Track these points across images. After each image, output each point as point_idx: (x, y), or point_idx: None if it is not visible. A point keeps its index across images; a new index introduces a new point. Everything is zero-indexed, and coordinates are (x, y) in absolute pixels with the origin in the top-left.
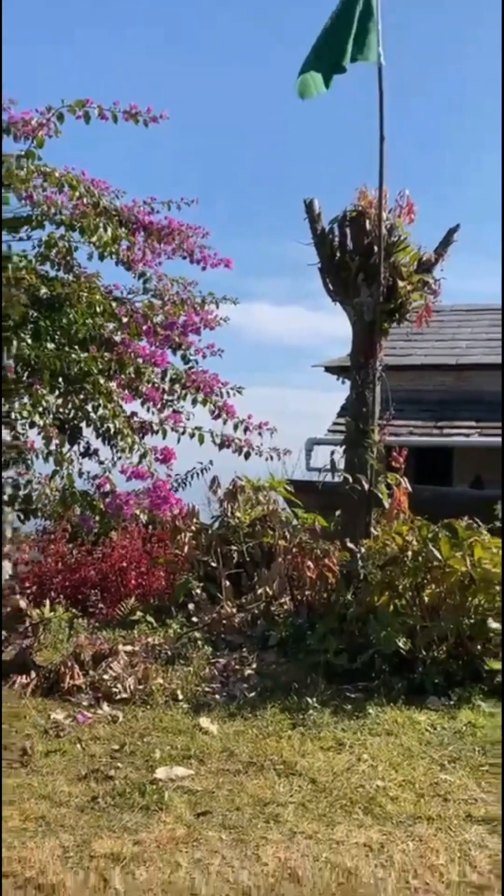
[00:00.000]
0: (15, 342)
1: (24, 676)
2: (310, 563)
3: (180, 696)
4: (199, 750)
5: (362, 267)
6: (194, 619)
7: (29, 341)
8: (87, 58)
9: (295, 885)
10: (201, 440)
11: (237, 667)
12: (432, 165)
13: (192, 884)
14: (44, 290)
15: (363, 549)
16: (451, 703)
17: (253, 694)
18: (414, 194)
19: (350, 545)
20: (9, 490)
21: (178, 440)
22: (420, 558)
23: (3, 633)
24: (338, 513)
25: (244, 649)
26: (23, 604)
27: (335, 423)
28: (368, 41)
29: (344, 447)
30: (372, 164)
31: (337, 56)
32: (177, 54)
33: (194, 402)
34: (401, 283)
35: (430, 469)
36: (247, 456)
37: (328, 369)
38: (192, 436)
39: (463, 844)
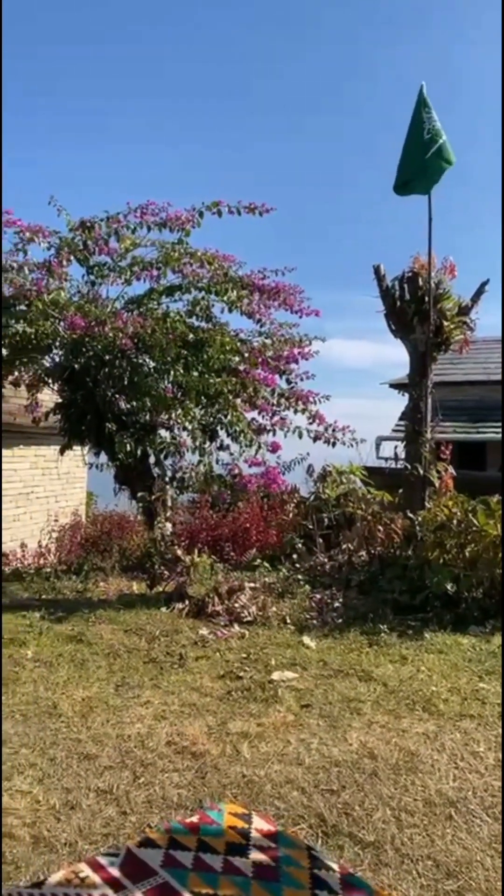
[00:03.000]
0: (172, 372)
1: (180, 603)
2: (380, 527)
3: (288, 621)
4: (301, 659)
5: (416, 312)
6: (297, 565)
7: (181, 371)
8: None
9: (372, 761)
10: (300, 436)
11: (328, 601)
12: (477, 227)
13: (298, 755)
14: (191, 336)
15: (420, 518)
16: (487, 630)
17: (340, 620)
18: (458, 250)
19: (410, 515)
20: (169, 472)
21: (284, 437)
22: (462, 525)
23: (165, 571)
24: (400, 491)
25: (333, 588)
26: (179, 552)
27: (397, 425)
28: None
29: (405, 442)
30: (418, 232)
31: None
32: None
33: (295, 411)
34: (445, 324)
35: (469, 458)
36: (333, 445)
37: (391, 385)
38: (293, 433)
39: (497, 737)
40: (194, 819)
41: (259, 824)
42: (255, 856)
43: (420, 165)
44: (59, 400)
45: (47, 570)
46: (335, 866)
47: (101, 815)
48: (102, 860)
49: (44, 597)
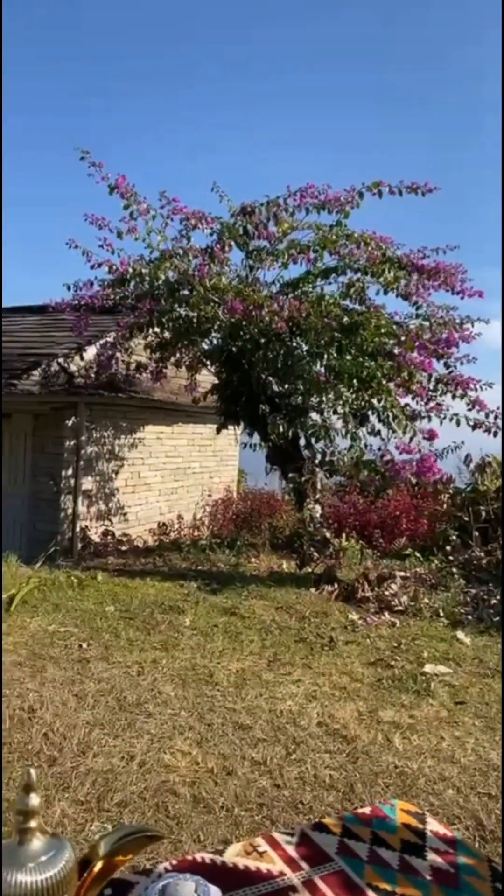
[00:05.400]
0: (325, 355)
1: (329, 585)
2: None
3: (441, 614)
4: (455, 655)
5: None
6: (451, 557)
7: (334, 354)
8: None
9: None
10: (458, 424)
11: (485, 597)
12: None
13: (453, 754)
14: (345, 319)
15: None
16: None
17: (497, 618)
18: None
19: None
20: (319, 456)
21: (440, 424)
22: None
23: (314, 552)
24: None
25: (490, 584)
26: (328, 534)
27: None
28: None
29: None
30: None
31: None
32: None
33: (453, 396)
34: None
35: None
36: (494, 435)
37: None
38: (450, 420)
39: None
40: (366, 811)
41: (434, 826)
42: (433, 858)
43: None
44: (217, 381)
45: (202, 542)
46: None
47: (255, 784)
48: (278, 837)
49: (199, 568)
